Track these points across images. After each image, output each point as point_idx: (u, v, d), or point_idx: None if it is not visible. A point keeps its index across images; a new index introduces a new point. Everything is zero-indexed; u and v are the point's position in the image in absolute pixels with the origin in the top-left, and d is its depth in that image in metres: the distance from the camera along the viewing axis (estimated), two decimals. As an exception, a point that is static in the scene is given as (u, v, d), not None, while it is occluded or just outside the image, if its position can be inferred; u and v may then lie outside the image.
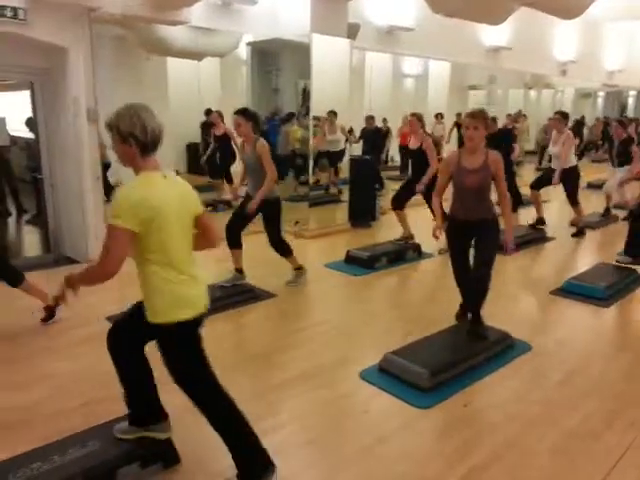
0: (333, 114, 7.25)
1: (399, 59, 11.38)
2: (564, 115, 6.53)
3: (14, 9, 4.55)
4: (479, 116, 3.36)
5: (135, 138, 1.99)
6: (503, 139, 7.06)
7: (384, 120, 10.65)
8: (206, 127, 8.14)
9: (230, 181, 7.46)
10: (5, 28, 4.56)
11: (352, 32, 6.87)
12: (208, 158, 7.89)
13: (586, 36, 11.89)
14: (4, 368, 3.28)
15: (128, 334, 2.32)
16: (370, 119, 9.60)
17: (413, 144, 5.73)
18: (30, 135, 5.46)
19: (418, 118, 5.65)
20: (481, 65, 10.09)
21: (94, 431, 2.43)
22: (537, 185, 6.74)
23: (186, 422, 2.70)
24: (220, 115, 7.48)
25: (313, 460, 2.53)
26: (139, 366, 2.33)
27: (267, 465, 2.24)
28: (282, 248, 4.66)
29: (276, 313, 4.31)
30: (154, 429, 2.38)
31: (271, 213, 4.51)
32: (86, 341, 3.62)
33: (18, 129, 5.79)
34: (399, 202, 5.87)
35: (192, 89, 8.71)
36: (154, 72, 8.22)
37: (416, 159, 5.78)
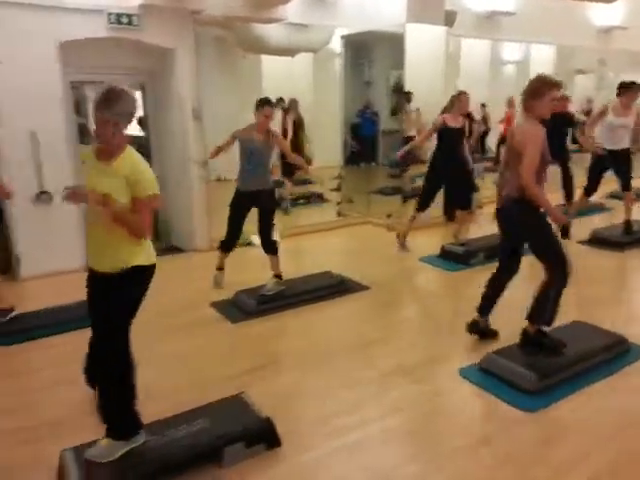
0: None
1: (498, 45, 10.83)
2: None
3: (129, 16, 4.90)
4: None
5: (131, 117, 2.23)
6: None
7: (482, 105, 10.17)
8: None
9: None
10: (121, 34, 4.93)
11: (449, 19, 6.66)
12: None
13: None
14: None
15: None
16: None
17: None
18: (142, 133, 5.86)
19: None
20: (591, 47, 9.37)
21: (203, 410, 2.57)
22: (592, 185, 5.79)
23: (280, 405, 2.79)
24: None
25: (413, 454, 2.50)
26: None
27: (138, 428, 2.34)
28: (272, 245, 4.36)
29: (371, 305, 4.30)
30: (135, 440, 2.34)
31: (270, 204, 4.39)
32: (194, 325, 3.84)
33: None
34: None
35: (285, 85, 8.89)
36: (250, 70, 8.48)
37: None
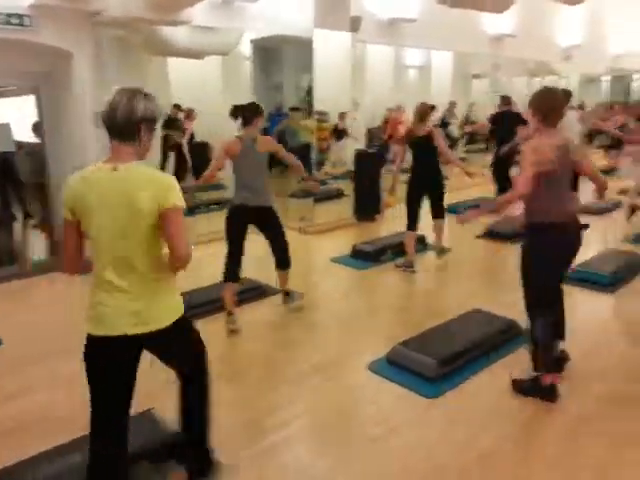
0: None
1: (401, 50, 11.34)
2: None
3: (20, 16, 4.62)
4: None
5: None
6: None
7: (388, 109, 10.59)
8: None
9: None
10: (11, 35, 4.63)
11: (354, 25, 6.89)
12: None
13: (590, 20, 11.79)
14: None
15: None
16: None
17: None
18: (36, 140, 5.53)
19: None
20: (485, 54, 10.06)
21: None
22: None
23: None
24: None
25: (325, 450, 2.59)
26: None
27: None
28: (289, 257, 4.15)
29: (285, 308, 4.36)
30: None
31: (275, 216, 4.05)
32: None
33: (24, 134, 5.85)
34: None
35: (194, 87, 8.74)
36: (156, 72, 8.26)
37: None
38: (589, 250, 5.09)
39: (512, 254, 5.59)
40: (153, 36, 6.53)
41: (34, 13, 4.69)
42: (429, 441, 2.60)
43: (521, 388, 2.94)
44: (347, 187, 7.91)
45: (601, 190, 3.03)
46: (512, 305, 4.06)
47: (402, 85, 11.80)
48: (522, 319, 3.67)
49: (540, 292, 2.87)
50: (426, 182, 5.07)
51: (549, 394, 2.84)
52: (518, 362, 3.29)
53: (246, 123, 3.83)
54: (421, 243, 5.79)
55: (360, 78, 9.20)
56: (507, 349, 3.42)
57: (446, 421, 2.78)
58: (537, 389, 2.86)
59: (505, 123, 7.04)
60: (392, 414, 2.82)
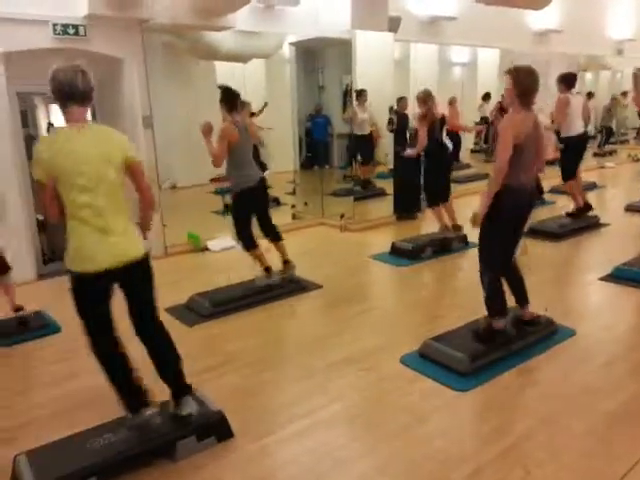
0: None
1: (445, 48, 11.25)
2: None
3: (75, 27, 4.94)
4: None
5: (51, 92, 2.28)
6: None
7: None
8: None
9: None
10: (67, 44, 4.96)
11: (393, 25, 6.92)
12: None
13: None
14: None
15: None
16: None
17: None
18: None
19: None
20: (529, 50, 9.84)
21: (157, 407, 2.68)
22: None
23: (235, 399, 2.94)
24: None
25: (358, 434, 2.69)
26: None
27: None
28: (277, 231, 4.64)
29: (324, 303, 4.47)
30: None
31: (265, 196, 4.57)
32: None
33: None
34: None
35: (239, 90, 8.99)
36: (203, 76, 8.55)
37: None
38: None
39: (545, 252, 5.52)
40: (198, 41, 6.78)
41: (88, 23, 5.00)
42: (455, 431, 2.65)
43: (477, 334, 3.28)
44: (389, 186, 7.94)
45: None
46: (554, 302, 4.04)
47: (448, 82, 11.70)
48: (560, 317, 3.68)
49: (490, 249, 3.22)
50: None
51: (490, 336, 3.27)
52: (550, 359, 3.28)
53: (238, 108, 4.32)
54: (463, 241, 5.78)
55: (405, 76, 9.21)
56: (542, 347, 3.40)
57: (473, 413, 2.81)
58: (490, 332, 3.28)
59: None
60: (421, 404, 2.88)
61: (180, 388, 2.63)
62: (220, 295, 4.36)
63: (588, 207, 6.37)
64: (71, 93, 2.27)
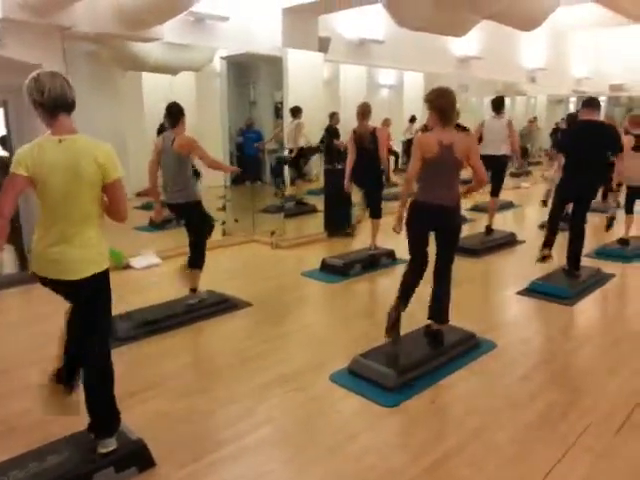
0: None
1: (373, 70, 11.61)
2: None
3: (-14, 30, 4.63)
4: None
5: (34, 101, 2.26)
6: None
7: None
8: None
9: None
10: (-22, 49, 4.64)
11: (323, 46, 7.06)
12: None
13: (554, 44, 12.29)
14: None
15: None
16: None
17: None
18: (4, 153, 5.50)
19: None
20: (452, 75, 10.36)
21: (72, 438, 2.51)
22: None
23: (160, 426, 2.81)
24: None
25: (288, 457, 2.64)
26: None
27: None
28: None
29: (253, 321, 4.40)
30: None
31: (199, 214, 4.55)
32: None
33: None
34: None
35: (167, 102, 8.78)
36: (129, 87, 8.28)
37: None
38: None
39: (474, 269, 5.77)
40: (123, 51, 6.58)
41: (3, 27, 4.70)
42: (384, 447, 2.66)
43: (390, 317, 3.49)
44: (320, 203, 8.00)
45: (476, 186, 3.55)
46: (475, 317, 4.21)
47: (376, 103, 12.04)
48: (481, 330, 3.83)
49: (409, 247, 3.57)
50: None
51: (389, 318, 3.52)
52: (473, 373, 3.40)
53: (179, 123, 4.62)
54: (390, 257, 5.90)
55: (335, 96, 9.39)
56: (465, 360, 3.52)
57: (402, 428, 2.85)
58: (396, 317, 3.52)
59: None
60: (351, 422, 2.88)
61: (104, 426, 2.46)
62: (143, 315, 4.17)
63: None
64: (62, 102, 2.25)
